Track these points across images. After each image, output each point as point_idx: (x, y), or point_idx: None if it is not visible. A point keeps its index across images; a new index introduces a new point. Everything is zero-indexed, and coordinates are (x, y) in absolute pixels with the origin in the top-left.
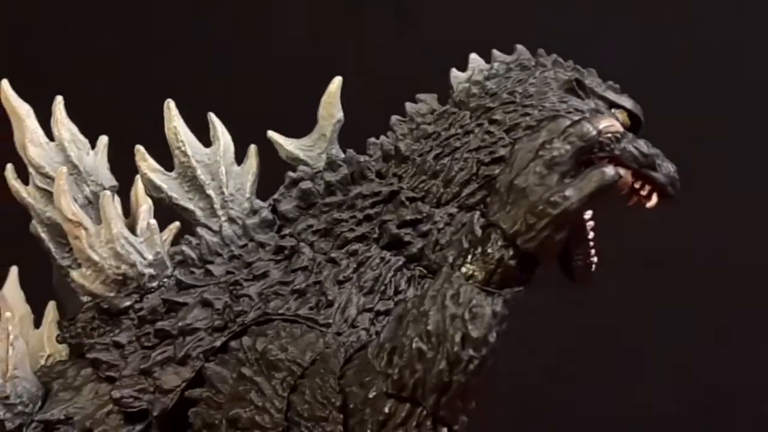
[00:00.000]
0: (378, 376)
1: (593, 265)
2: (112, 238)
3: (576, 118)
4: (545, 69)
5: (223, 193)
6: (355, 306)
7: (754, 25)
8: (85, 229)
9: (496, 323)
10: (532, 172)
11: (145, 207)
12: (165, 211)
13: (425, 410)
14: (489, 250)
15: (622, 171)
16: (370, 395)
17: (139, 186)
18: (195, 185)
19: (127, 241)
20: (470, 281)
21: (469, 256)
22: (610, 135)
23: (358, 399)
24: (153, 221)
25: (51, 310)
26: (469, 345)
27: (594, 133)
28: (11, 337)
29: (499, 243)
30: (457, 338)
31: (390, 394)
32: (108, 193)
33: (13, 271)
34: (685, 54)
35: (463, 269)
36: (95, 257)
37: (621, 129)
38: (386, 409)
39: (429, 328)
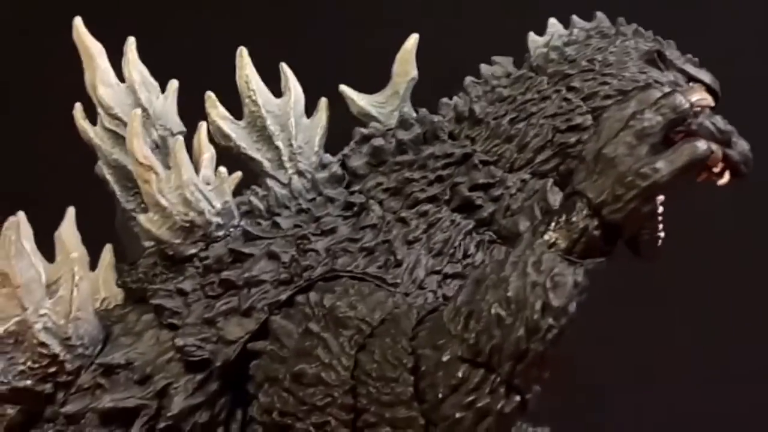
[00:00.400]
0: (453, 339)
1: (660, 240)
2: (182, 184)
3: (667, 89)
4: (626, 38)
5: (291, 145)
6: (423, 267)
7: (758, 25)
8: (156, 173)
9: (577, 293)
10: (621, 142)
11: (207, 155)
12: (225, 159)
13: (499, 377)
14: (573, 219)
15: (714, 146)
16: (444, 358)
17: (202, 133)
18: (264, 136)
19: (196, 188)
20: (552, 249)
21: (553, 224)
22: (699, 109)
23: (430, 362)
24: (223, 169)
25: (107, 253)
26: (549, 314)
27: (687, 105)
28: (77, 277)
29: (584, 212)
30: (538, 306)
31: (464, 359)
32: (181, 138)
33: (70, 211)
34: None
35: (546, 236)
36: (164, 202)
37: (712, 103)
38: (459, 374)
39: (509, 294)
